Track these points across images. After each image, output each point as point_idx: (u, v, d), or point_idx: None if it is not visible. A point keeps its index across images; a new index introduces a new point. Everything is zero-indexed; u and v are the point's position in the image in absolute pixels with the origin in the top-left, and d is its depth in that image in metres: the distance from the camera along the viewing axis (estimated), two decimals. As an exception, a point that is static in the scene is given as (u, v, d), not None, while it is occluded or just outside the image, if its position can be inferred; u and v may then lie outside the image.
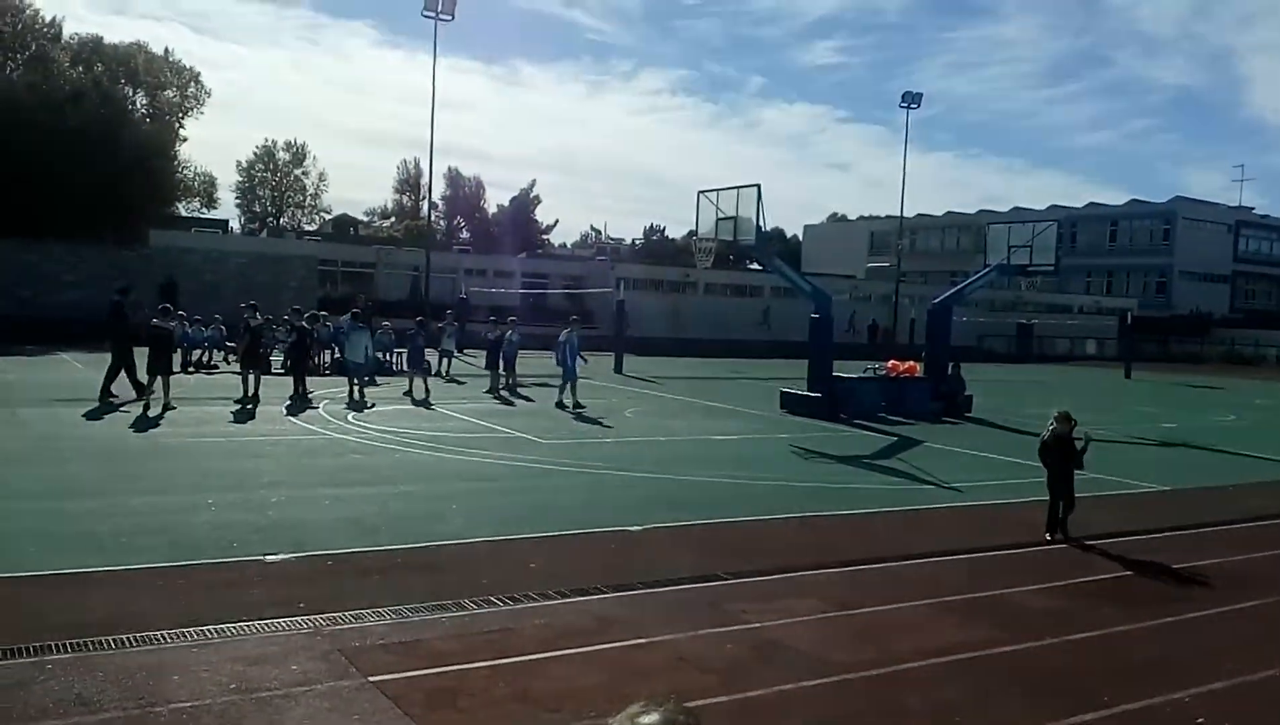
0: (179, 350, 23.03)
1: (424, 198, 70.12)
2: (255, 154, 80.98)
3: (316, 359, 25.20)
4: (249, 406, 18.43)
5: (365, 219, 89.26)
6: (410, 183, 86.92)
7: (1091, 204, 78.86)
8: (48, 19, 49.52)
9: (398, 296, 46.05)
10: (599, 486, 12.66)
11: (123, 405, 17.56)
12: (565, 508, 11.11)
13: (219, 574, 7.89)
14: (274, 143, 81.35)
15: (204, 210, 63.56)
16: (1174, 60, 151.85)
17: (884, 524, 11.32)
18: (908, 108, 55.99)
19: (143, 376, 17.86)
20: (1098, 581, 9.10)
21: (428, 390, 21.62)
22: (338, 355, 25.23)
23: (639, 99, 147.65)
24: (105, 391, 18.05)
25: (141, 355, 17.91)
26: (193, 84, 57.07)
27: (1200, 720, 5.97)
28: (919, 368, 24.55)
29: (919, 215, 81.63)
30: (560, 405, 20.71)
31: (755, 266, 42.38)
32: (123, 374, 18.44)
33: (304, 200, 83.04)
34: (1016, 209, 73.74)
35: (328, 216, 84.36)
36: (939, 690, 6.33)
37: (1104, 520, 11.31)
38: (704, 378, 31.39)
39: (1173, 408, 29.04)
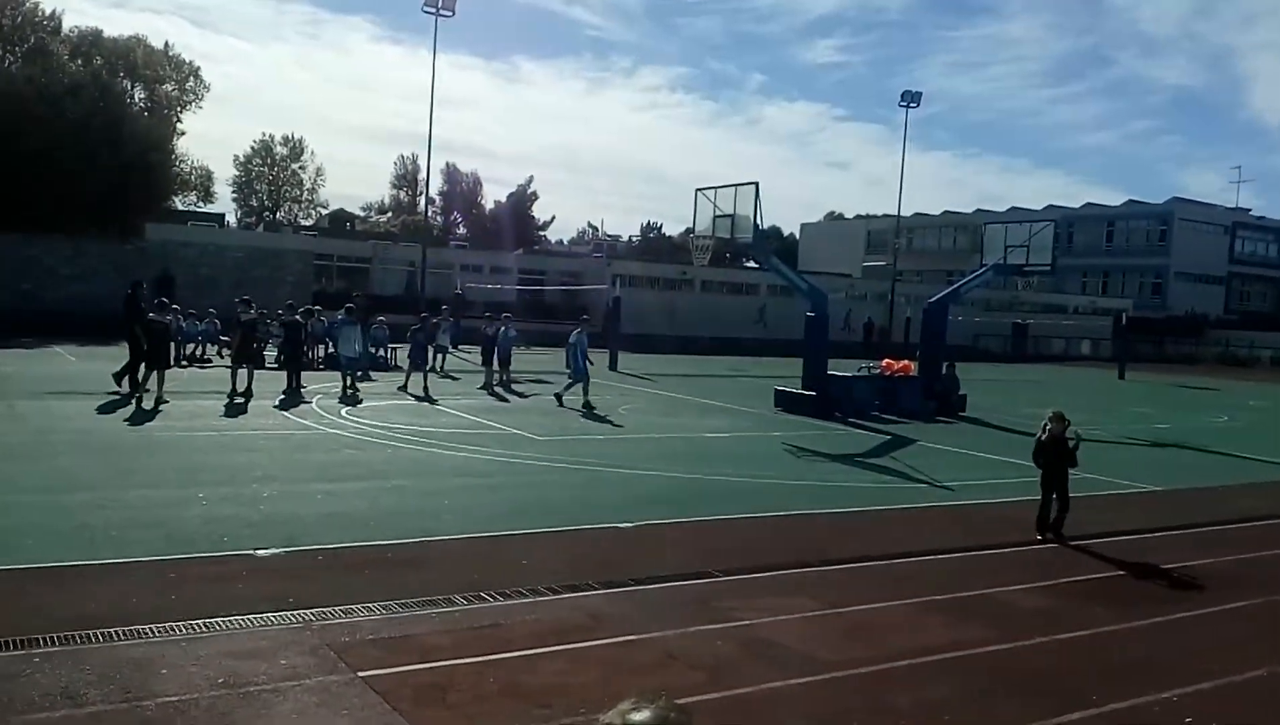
0: (173, 344, 23.01)
1: (421, 193, 70.09)
2: (253, 148, 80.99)
3: (310, 354, 25.20)
4: (240, 401, 18.39)
5: (362, 214, 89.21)
6: (407, 178, 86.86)
7: (1089, 204, 78.93)
8: (48, 12, 49.38)
9: (394, 292, 46.01)
10: (591, 483, 12.67)
11: (133, 396, 17.53)
12: (557, 504, 11.11)
13: (209, 568, 7.89)
14: (271, 137, 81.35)
15: (201, 204, 63.47)
16: (1175, 60, 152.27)
17: (876, 522, 11.34)
18: (907, 107, 56.02)
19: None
20: (1088, 581, 9.12)
21: (426, 386, 21.62)
22: (331, 350, 25.23)
23: (639, 96, 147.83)
24: (134, 382, 18.00)
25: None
26: (192, 78, 57.01)
27: (1188, 720, 5.99)
28: (914, 367, 24.57)
29: (916, 214, 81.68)
30: (559, 399, 20.64)
31: (752, 264, 42.35)
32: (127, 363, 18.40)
33: (301, 195, 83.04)
34: (1014, 209, 73.76)
35: (324, 211, 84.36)
36: (928, 689, 6.34)
37: (1095, 520, 11.33)
38: (699, 375, 31.40)
39: (1166, 408, 29.09)
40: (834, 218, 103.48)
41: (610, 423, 18.65)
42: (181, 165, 58.00)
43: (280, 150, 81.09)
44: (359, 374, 21.82)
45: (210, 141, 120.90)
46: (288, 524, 9.43)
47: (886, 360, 25.22)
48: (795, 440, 17.45)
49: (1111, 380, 40.47)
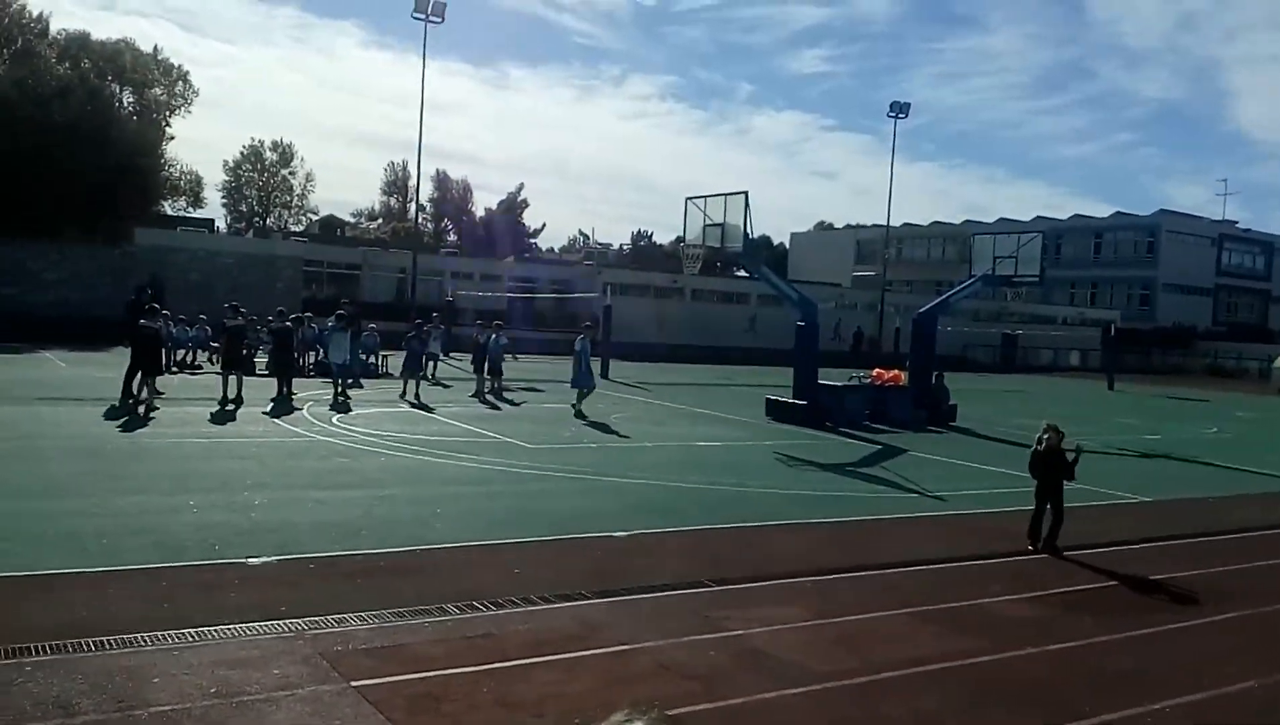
0: (164, 350, 22.92)
1: (411, 200, 70.04)
2: (242, 153, 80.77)
3: (302, 361, 25.13)
4: (229, 408, 18.32)
5: (352, 220, 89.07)
6: (398, 185, 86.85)
7: (1076, 216, 79.37)
8: (35, 14, 49.25)
9: (384, 299, 45.92)
10: (584, 492, 12.66)
11: (126, 403, 17.51)
12: (550, 513, 11.10)
13: (201, 576, 7.86)
14: (261, 142, 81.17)
15: (190, 209, 63.32)
16: (1158, 73, 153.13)
17: (867, 532, 11.36)
18: (895, 117, 56.26)
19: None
20: (1079, 592, 9.16)
21: (418, 393, 21.59)
22: (322, 357, 25.17)
23: (628, 104, 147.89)
24: (126, 390, 17.90)
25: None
26: (180, 82, 56.91)
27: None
28: (904, 376, 24.64)
29: (905, 225, 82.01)
30: (579, 414, 20.40)
31: (742, 273, 42.47)
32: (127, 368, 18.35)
33: (291, 201, 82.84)
34: (1002, 220, 74.18)
35: (314, 217, 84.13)
36: (920, 699, 6.36)
37: (1086, 531, 11.37)
38: (690, 384, 31.43)
39: (1155, 419, 29.23)
40: (823, 227, 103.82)
41: (602, 431, 18.65)
42: (170, 170, 57.90)
43: (270, 156, 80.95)
44: (349, 381, 21.78)
45: (199, 146, 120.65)
46: (280, 532, 9.40)
47: (877, 370, 25.29)
48: (787, 449, 17.48)
49: (1100, 391, 40.65)
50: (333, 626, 6.85)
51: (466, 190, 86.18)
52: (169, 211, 59.35)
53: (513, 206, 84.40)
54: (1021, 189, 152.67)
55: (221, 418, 17.34)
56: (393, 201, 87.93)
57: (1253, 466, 18.98)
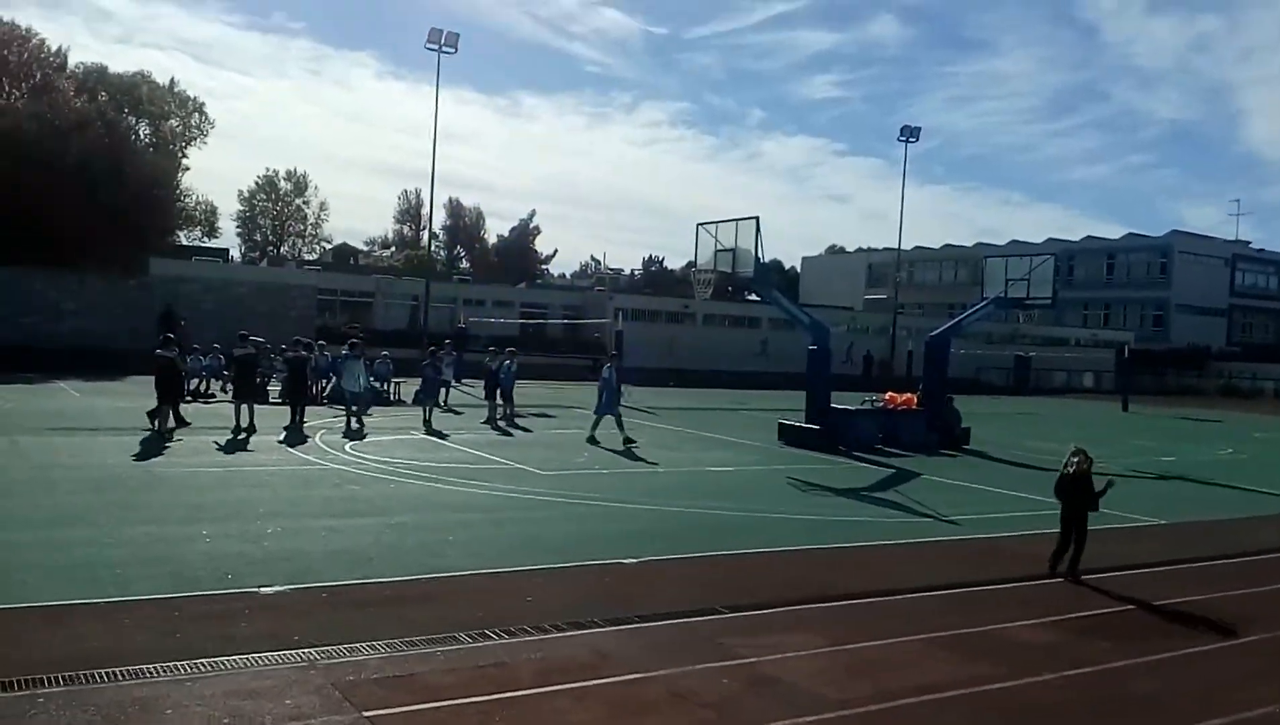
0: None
1: (424, 228, 70.45)
2: (257, 183, 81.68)
3: (314, 389, 25.21)
4: (241, 437, 18.38)
5: (365, 248, 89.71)
6: (411, 213, 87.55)
7: (1089, 237, 79.28)
8: (53, 49, 50.01)
9: (396, 326, 46.15)
10: (596, 518, 12.63)
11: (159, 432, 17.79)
12: (562, 540, 11.08)
13: (213, 606, 7.86)
14: (275, 172, 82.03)
15: (205, 239, 63.94)
16: (1170, 94, 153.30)
17: (881, 557, 11.29)
18: (906, 141, 56.47)
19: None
20: (1095, 616, 9.07)
21: (428, 420, 21.63)
22: (333, 385, 25.24)
23: (640, 131, 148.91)
24: (176, 418, 18.44)
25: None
26: (196, 114, 57.63)
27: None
28: (916, 400, 24.57)
29: (916, 248, 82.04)
30: (629, 441, 20.13)
31: (754, 298, 42.48)
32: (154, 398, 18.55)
33: (305, 230, 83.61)
34: (1014, 242, 74.11)
35: (328, 246, 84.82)
36: (936, 727, 6.29)
37: (1102, 554, 11.25)
38: (702, 408, 31.39)
39: (1170, 440, 29.03)
40: (835, 251, 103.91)
41: (614, 456, 18.62)
42: (186, 200, 58.50)
43: (284, 185, 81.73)
44: (355, 409, 21.82)
45: (214, 176, 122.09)
46: (292, 561, 9.41)
47: (890, 393, 25.23)
48: (800, 474, 17.42)
49: (1115, 413, 40.41)
50: (345, 656, 6.84)
51: (479, 217, 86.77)
52: (184, 241, 59.92)
53: (524, 233, 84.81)
54: (1034, 211, 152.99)
55: (234, 447, 17.40)
56: (406, 230, 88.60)
57: (1269, 488, 18.81)
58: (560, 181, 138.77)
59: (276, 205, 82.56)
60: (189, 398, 25.14)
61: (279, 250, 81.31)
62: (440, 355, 25.55)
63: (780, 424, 22.90)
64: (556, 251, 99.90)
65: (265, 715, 5.77)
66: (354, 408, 21.28)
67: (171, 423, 17.97)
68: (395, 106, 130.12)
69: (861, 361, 52.36)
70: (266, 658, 6.70)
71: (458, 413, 25.37)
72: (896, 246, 61.48)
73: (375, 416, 22.87)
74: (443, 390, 26.84)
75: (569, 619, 7.94)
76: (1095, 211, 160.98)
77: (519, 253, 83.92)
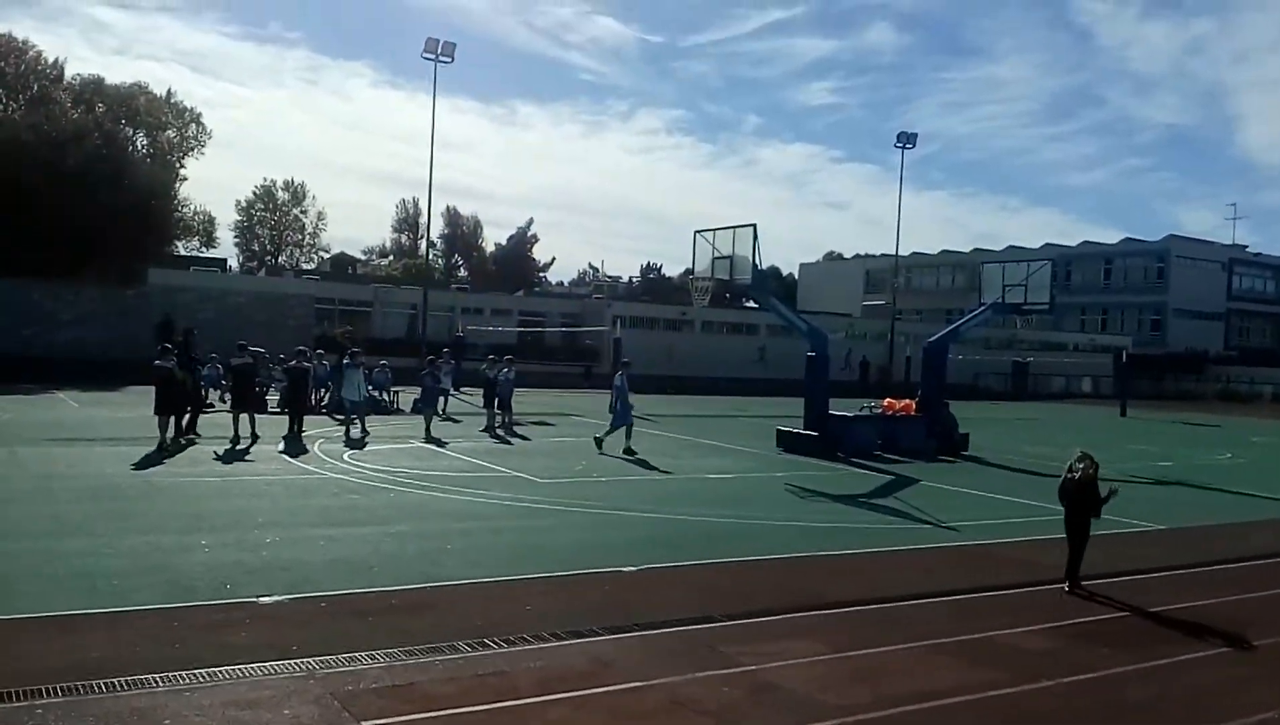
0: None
1: (422, 236, 70.52)
2: (255, 193, 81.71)
3: (313, 398, 25.20)
4: (239, 447, 18.36)
5: (363, 257, 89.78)
6: (409, 222, 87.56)
7: (1086, 242, 79.40)
8: (50, 60, 50.09)
9: (394, 335, 46.14)
10: (595, 526, 12.63)
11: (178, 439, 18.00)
12: (561, 548, 11.07)
13: (212, 615, 7.85)
14: (273, 182, 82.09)
15: (203, 249, 63.94)
16: (1166, 99, 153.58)
17: (881, 564, 11.29)
18: (903, 147, 56.62)
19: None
20: (1094, 622, 9.07)
21: (428, 428, 21.62)
22: (331, 394, 25.24)
23: (636, 138, 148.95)
24: (190, 429, 18.71)
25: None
26: (193, 124, 57.66)
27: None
28: (914, 406, 24.58)
29: (914, 254, 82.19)
30: (629, 451, 19.87)
31: (752, 305, 42.53)
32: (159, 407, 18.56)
33: (302, 239, 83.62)
34: (1011, 247, 74.23)
35: (326, 255, 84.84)
36: (936, 733, 6.29)
37: (1101, 560, 11.25)
38: (701, 415, 31.39)
39: (1169, 445, 29.04)
40: (832, 257, 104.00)
41: (612, 464, 18.61)
42: (184, 210, 58.51)
43: (282, 195, 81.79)
44: (354, 418, 21.81)
45: (212, 186, 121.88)
46: (291, 570, 9.40)
47: (888, 400, 25.25)
48: (799, 481, 17.42)
49: (1113, 417, 40.44)
50: (344, 665, 6.83)
51: (477, 226, 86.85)
52: (182, 251, 59.93)
53: (522, 241, 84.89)
54: (1031, 216, 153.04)
55: (233, 456, 17.38)
56: (404, 238, 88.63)
57: (1267, 492, 18.82)
58: (557, 189, 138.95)
59: (274, 215, 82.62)
60: (207, 407, 25.04)
61: (277, 260, 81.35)
62: (439, 364, 25.56)
63: (779, 431, 22.90)
64: (554, 259, 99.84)
65: (264, 725, 5.76)
66: (353, 417, 21.27)
67: (171, 432, 17.94)
68: (392, 115, 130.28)
69: (859, 368, 52.38)
70: (265, 667, 6.69)
71: (456, 421, 25.37)
72: (894, 252, 61.60)
73: (374, 425, 22.86)
74: (442, 399, 26.88)
75: (568, 627, 7.93)
76: (1092, 216, 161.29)
77: (517, 261, 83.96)
